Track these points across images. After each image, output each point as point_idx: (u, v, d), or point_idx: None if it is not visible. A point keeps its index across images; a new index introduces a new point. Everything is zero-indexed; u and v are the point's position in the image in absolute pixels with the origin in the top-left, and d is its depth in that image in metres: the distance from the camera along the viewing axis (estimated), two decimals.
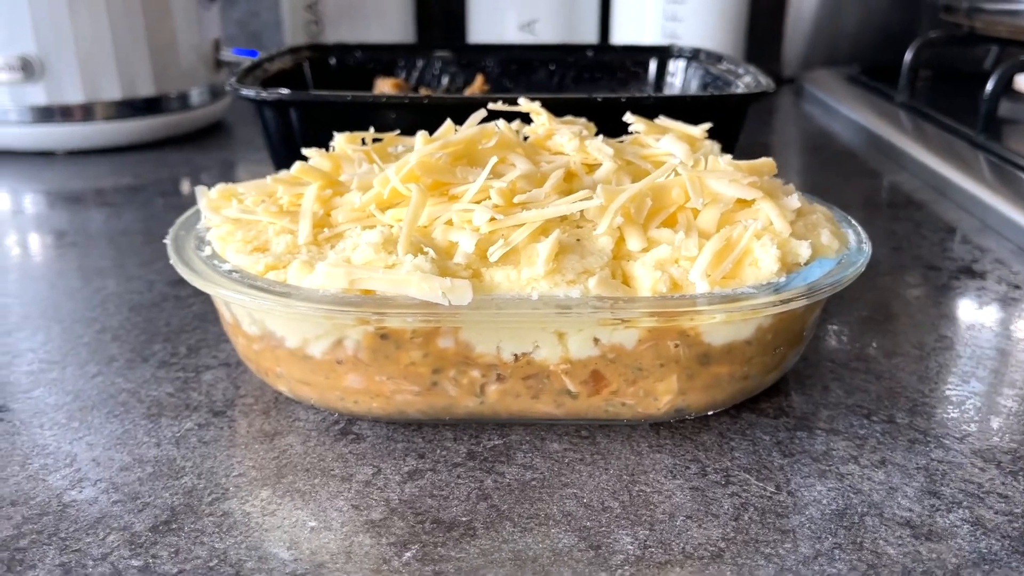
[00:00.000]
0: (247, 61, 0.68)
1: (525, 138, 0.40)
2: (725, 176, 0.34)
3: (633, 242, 0.32)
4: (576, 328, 0.31)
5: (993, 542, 0.28)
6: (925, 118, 0.80)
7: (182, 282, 0.47)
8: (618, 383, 0.32)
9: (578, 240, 0.32)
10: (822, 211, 0.37)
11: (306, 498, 0.30)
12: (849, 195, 0.66)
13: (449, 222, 0.32)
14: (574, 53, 0.76)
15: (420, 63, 0.75)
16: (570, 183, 0.35)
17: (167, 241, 0.35)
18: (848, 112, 0.88)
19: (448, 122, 0.38)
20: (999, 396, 0.37)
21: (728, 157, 0.37)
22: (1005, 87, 0.69)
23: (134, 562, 0.27)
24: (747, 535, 0.28)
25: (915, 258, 0.52)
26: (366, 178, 0.35)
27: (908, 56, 0.86)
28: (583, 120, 0.42)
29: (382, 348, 0.31)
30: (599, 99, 0.52)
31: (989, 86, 0.69)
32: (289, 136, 0.55)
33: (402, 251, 0.31)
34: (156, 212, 0.61)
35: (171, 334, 0.42)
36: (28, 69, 0.71)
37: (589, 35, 1.03)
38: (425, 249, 0.31)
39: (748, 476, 0.31)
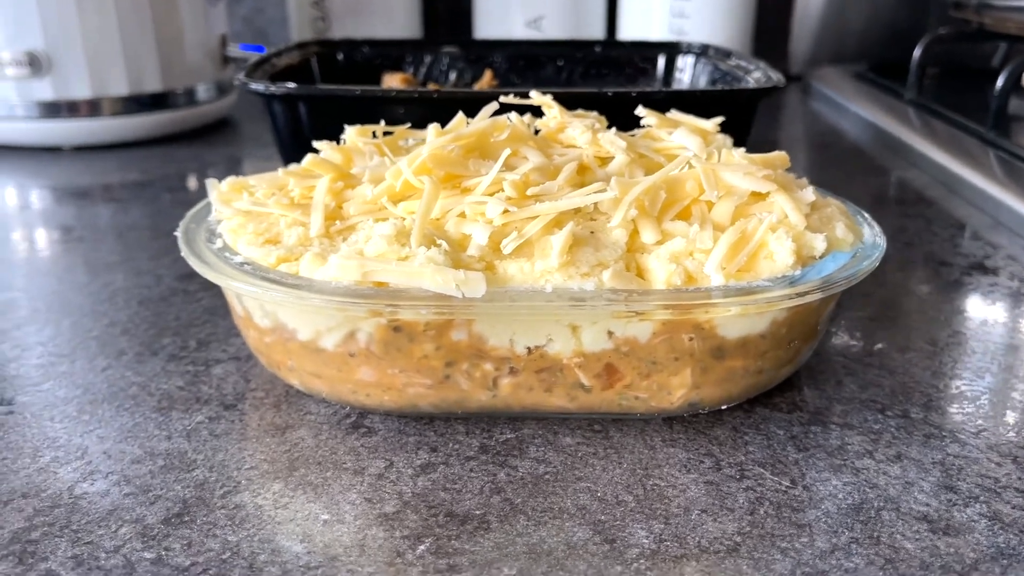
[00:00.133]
0: (254, 57, 0.68)
1: (536, 132, 0.40)
2: (739, 169, 0.34)
3: (647, 235, 0.32)
4: (590, 321, 0.31)
5: (1011, 536, 0.27)
6: (934, 115, 0.80)
7: (191, 276, 0.47)
8: (632, 377, 0.32)
9: (592, 233, 0.31)
10: (836, 205, 0.36)
11: (318, 491, 0.30)
12: (858, 192, 0.66)
13: (462, 214, 0.32)
14: (582, 49, 0.76)
15: (428, 59, 0.75)
16: (583, 176, 0.35)
17: (178, 234, 0.35)
18: (856, 109, 0.87)
19: (460, 115, 0.38)
20: (1014, 391, 0.36)
21: (741, 150, 0.37)
22: (1015, 83, 0.69)
23: (147, 554, 0.26)
24: (763, 529, 0.28)
25: (926, 254, 0.52)
26: (378, 171, 0.35)
27: (917, 53, 0.86)
28: (594, 113, 0.42)
29: (394, 341, 0.31)
30: (610, 93, 0.52)
31: (999, 82, 0.69)
32: (298, 131, 0.55)
33: (415, 243, 0.30)
34: (163, 208, 0.61)
35: (180, 328, 0.41)
36: (35, 64, 0.71)
37: (595, 32, 1.03)
38: (438, 241, 0.31)
39: (763, 470, 0.31)
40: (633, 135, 0.40)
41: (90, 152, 0.75)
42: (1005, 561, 0.26)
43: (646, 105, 0.41)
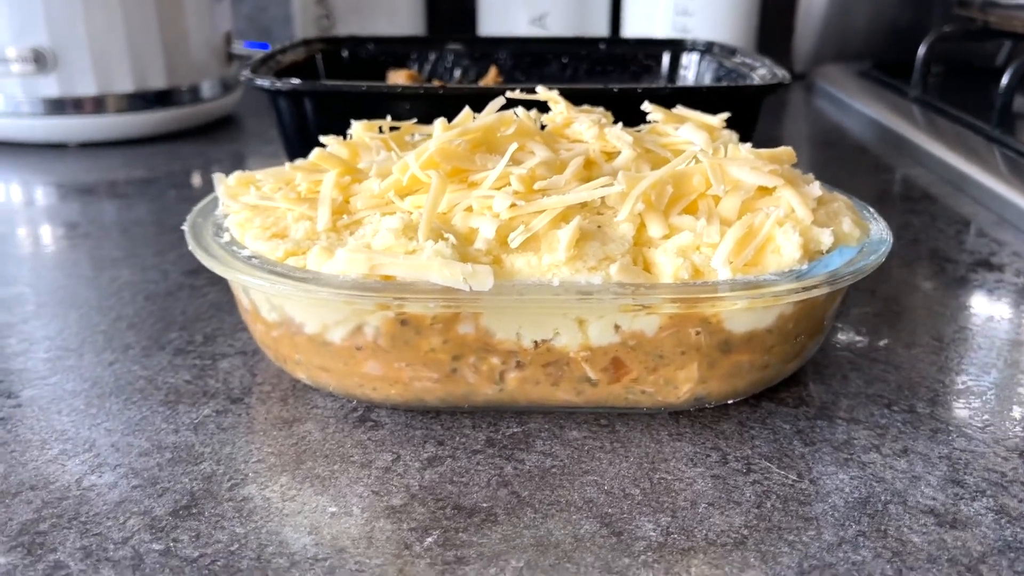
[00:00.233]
0: (259, 53, 0.68)
1: (543, 127, 0.40)
2: (746, 164, 0.34)
3: (654, 229, 0.32)
4: (597, 315, 0.31)
5: (1018, 530, 0.27)
6: (939, 113, 0.80)
7: (197, 271, 0.47)
8: (638, 370, 0.32)
9: (599, 227, 0.32)
10: (843, 200, 0.36)
11: (326, 484, 0.30)
12: (862, 189, 0.66)
13: (469, 208, 0.32)
14: (587, 46, 0.76)
15: (432, 56, 0.75)
16: (589, 171, 0.35)
17: (185, 228, 0.35)
18: (861, 107, 0.87)
19: (467, 109, 0.38)
20: (1019, 387, 0.36)
21: (748, 145, 0.37)
22: (1020, 81, 0.69)
23: (155, 546, 0.27)
24: (770, 522, 0.28)
25: (931, 251, 0.52)
26: (385, 165, 0.35)
27: (921, 51, 0.86)
28: (600, 109, 0.42)
29: (402, 334, 0.31)
30: (615, 89, 0.52)
31: (1004, 80, 0.69)
32: (303, 127, 0.55)
33: (422, 237, 0.30)
34: (168, 204, 0.61)
35: (187, 322, 0.42)
36: (41, 61, 0.71)
37: (599, 29, 1.03)
38: (445, 235, 0.31)
39: (769, 464, 0.31)
40: (639, 131, 0.40)
41: (95, 149, 0.75)
42: (1012, 554, 0.26)
43: (652, 101, 0.41)
